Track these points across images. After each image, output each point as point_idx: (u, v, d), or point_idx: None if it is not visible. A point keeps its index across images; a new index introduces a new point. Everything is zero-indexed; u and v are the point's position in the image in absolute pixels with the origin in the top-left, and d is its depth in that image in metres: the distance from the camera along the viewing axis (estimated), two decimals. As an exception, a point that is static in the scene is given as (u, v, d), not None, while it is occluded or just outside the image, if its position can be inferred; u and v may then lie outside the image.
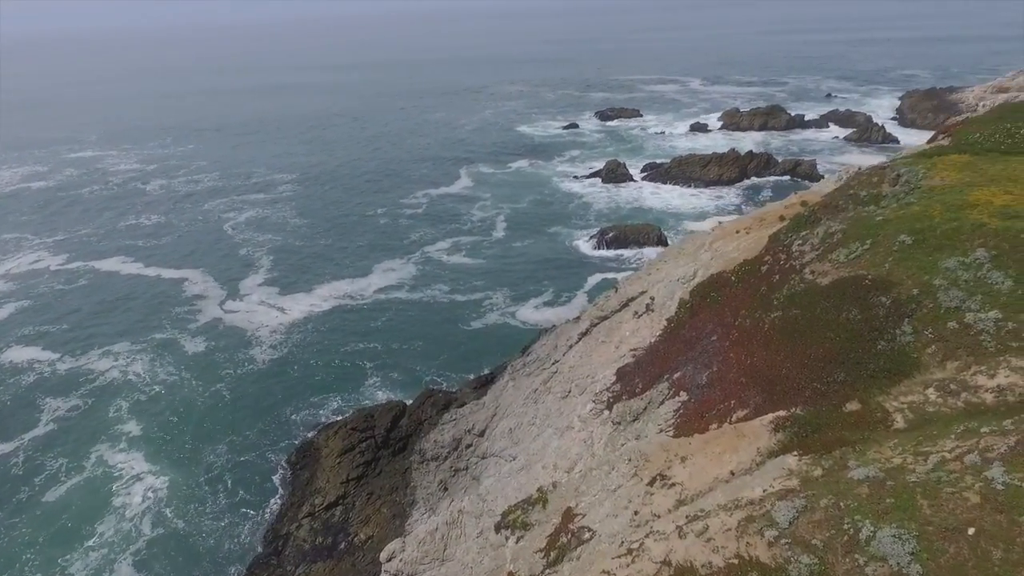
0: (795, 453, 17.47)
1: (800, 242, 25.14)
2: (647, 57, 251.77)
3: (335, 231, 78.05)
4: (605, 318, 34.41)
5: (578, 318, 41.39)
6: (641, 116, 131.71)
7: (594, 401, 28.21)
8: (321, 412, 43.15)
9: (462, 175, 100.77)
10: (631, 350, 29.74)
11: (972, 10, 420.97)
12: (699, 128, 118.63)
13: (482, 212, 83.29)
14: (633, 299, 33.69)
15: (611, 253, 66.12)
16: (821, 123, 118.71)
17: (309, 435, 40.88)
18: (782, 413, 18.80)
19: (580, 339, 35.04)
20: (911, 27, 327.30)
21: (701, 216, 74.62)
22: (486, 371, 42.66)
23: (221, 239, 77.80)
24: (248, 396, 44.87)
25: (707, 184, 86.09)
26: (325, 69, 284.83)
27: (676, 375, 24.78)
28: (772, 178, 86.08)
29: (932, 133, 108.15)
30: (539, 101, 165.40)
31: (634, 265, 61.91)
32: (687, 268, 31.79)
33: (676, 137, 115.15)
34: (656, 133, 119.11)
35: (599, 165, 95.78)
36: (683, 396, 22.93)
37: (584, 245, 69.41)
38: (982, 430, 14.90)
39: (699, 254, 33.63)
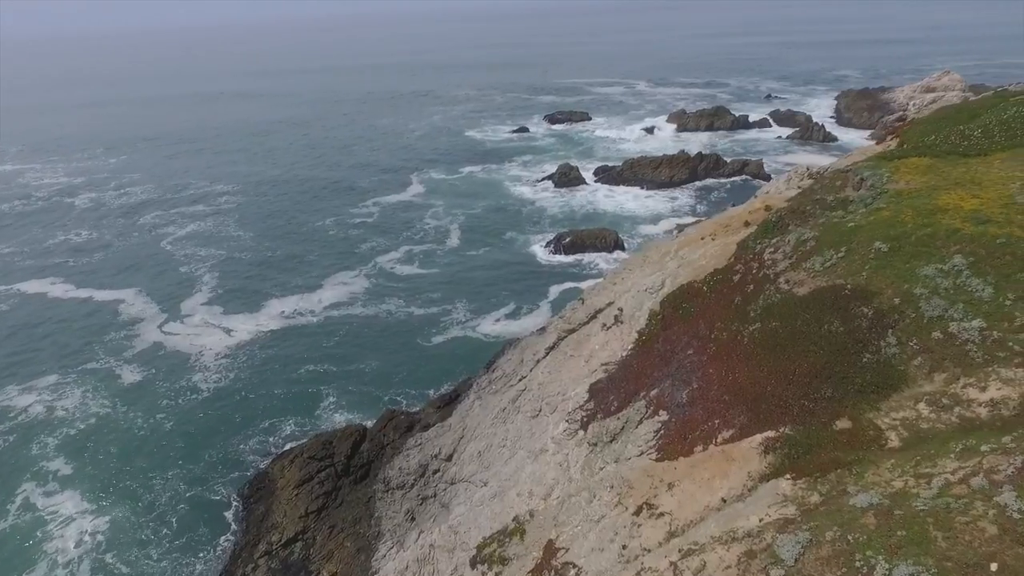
0: (788, 476, 16.70)
1: (772, 250, 24.64)
2: (591, 60, 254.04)
3: (282, 244, 74.80)
4: (573, 331, 33.38)
5: (543, 330, 40.28)
6: (590, 119, 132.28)
7: (567, 421, 27.07)
8: (274, 440, 40.65)
9: (413, 182, 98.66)
10: (602, 365, 28.76)
11: (889, 15, 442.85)
12: (648, 130, 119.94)
13: (435, 220, 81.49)
14: (601, 310, 32.77)
15: (569, 259, 65.45)
16: (764, 123, 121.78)
17: (263, 465, 38.37)
18: (771, 434, 18.04)
19: (547, 353, 33.91)
20: (838, 30, 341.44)
21: (656, 219, 74.90)
22: (449, 389, 41.04)
23: (158, 256, 73.47)
24: (193, 426, 41.89)
25: (659, 186, 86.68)
26: (267, 75, 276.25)
27: (653, 392, 23.87)
28: (723, 179, 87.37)
29: (869, 131, 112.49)
30: (488, 105, 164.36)
31: (594, 271, 61.35)
32: (654, 277, 31.05)
33: (626, 139, 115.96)
34: (606, 135, 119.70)
35: (551, 169, 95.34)
36: (663, 415, 22.00)
37: (541, 251, 68.56)
38: (982, 448, 14.40)
39: (665, 262, 32.98)
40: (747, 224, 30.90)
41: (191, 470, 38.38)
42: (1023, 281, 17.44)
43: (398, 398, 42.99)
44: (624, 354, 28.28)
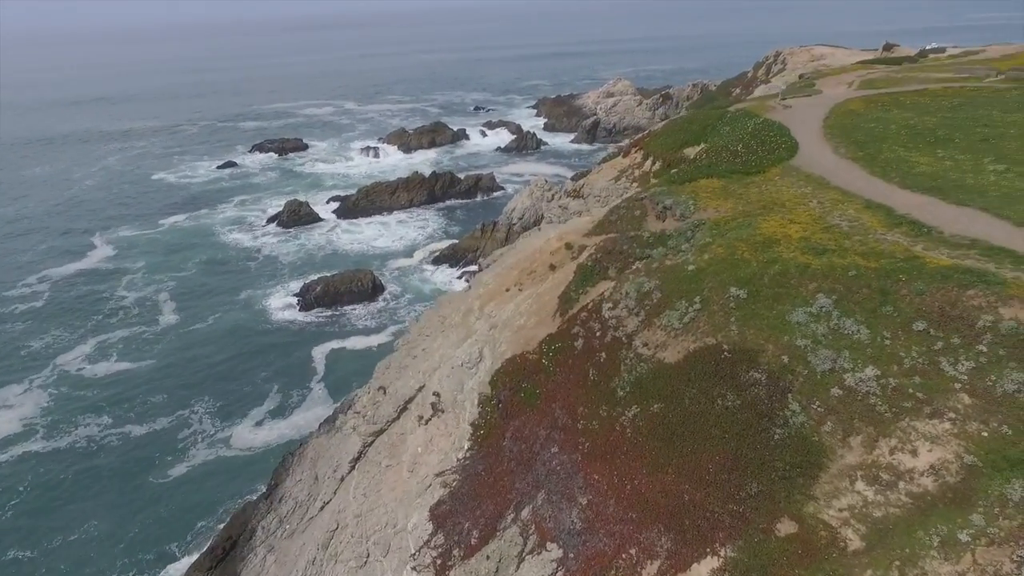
0: (755, 618, 13.17)
1: (610, 305, 21.50)
2: (291, 81, 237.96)
3: None
4: (381, 431, 26.68)
5: (332, 424, 32.47)
6: (307, 146, 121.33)
7: (413, 568, 20.61)
8: None
9: (97, 244, 78.22)
10: (436, 476, 22.82)
11: (556, 30, 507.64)
12: (372, 152, 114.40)
13: (135, 291, 64.95)
14: (411, 399, 26.68)
15: (326, 314, 56.94)
16: (481, 135, 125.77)
17: None
18: (715, 563, 14.46)
19: (354, 467, 26.64)
20: (518, 44, 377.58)
21: (410, 249, 70.10)
22: (217, 538, 30.47)
23: None
24: None
25: (401, 210, 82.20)
26: None
27: (524, 512, 18.90)
28: (463, 198, 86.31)
29: (573, 134, 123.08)
30: (178, 139, 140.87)
31: (359, 324, 54.13)
32: (467, 348, 26.06)
33: (352, 165, 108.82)
34: (329, 163, 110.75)
35: (276, 207, 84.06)
36: (553, 550, 17.16)
37: (288, 310, 58.59)
38: (961, 538, 12.49)
39: (471, 323, 28.23)
40: (553, 268, 27.81)
41: None
42: (890, 315, 16.63)
43: (137, 574, 30.66)
44: (461, 457, 22.75)
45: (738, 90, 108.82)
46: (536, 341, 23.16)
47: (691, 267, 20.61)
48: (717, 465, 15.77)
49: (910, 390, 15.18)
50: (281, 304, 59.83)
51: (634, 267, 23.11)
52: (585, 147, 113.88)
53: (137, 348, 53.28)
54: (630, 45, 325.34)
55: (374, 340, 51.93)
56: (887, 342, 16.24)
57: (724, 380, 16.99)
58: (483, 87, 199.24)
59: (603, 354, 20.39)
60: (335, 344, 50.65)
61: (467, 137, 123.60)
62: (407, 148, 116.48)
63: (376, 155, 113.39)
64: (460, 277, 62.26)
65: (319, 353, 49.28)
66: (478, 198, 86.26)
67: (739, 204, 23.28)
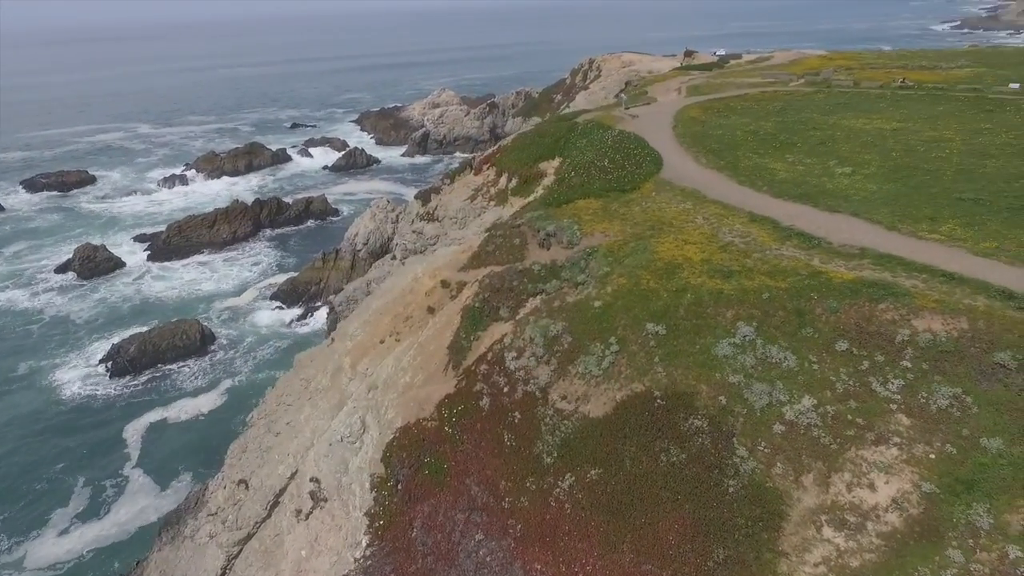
0: None
1: (514, 354, 19.07)
2: (52, 105, 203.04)
3: None
4: (249, 536, 21.72)
5: (177, 526, 26.31)
6: (94, 179, 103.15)
7: None
8: None
9: None
10: (331, 586, 18.75)
11: (367, 40, 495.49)
12: (178, 181, 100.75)
13: None
14: (283, 490, 22.06)
15: (143, 379, 47.82)
16: (303, 153, 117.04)
17: None
18: (701, 658, 12.60)
19: (216, 589, 21.37)
20: (324, 58, 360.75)
21: (240, 288, 61.86)
22: None
23: None
24: None
25: (225, 246, 72.90)
26: None
27: (454, 622, 15.78)
28: (293, 227, 78.65)
29: (403, 147, 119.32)
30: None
31: (188, 385, 46.08)
32: (346, 418, 22.15)
33: (155, 198, 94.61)
34: (126, 197, 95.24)
35: (65, 254, 70.32)
36: (502, 668, 14.30)
37: (90, 381, 48.30)
38: (947, 578, 11.88)
39: (343, 386, 24.23)
40: (432, 310, 24.74)
41: None
42: (812, 337, 16.15)
43: None
44: (359, 556, 18.93)
45: (559, 96, 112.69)
46: (432, 403, 20.01)
47: (597, 303, 18.86)
48: (677, 534, 14.03)
49: (849, 416, 14.64)
50: (79, 375, 49.32)
51: (529, 305, 20.94)
52: (419, 160, 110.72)
53: None
54: (446, 55, 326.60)
55: (205, 403, 44.45)
56: (815, 367, 15.66)
57: (664, 432, 15.36)
58: (297, 103, 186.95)
59: (517, 414, 17.90)
60: (154, 415, 42.35)
61: (289, 158, 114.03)
62: (219, 173, 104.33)
63: (184, 183, 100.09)
64: (305, 315, 56.25)
65: (134, 429, 40.64)
66: (310, 224, 79.26)
67: (626, 226, 22.10)
